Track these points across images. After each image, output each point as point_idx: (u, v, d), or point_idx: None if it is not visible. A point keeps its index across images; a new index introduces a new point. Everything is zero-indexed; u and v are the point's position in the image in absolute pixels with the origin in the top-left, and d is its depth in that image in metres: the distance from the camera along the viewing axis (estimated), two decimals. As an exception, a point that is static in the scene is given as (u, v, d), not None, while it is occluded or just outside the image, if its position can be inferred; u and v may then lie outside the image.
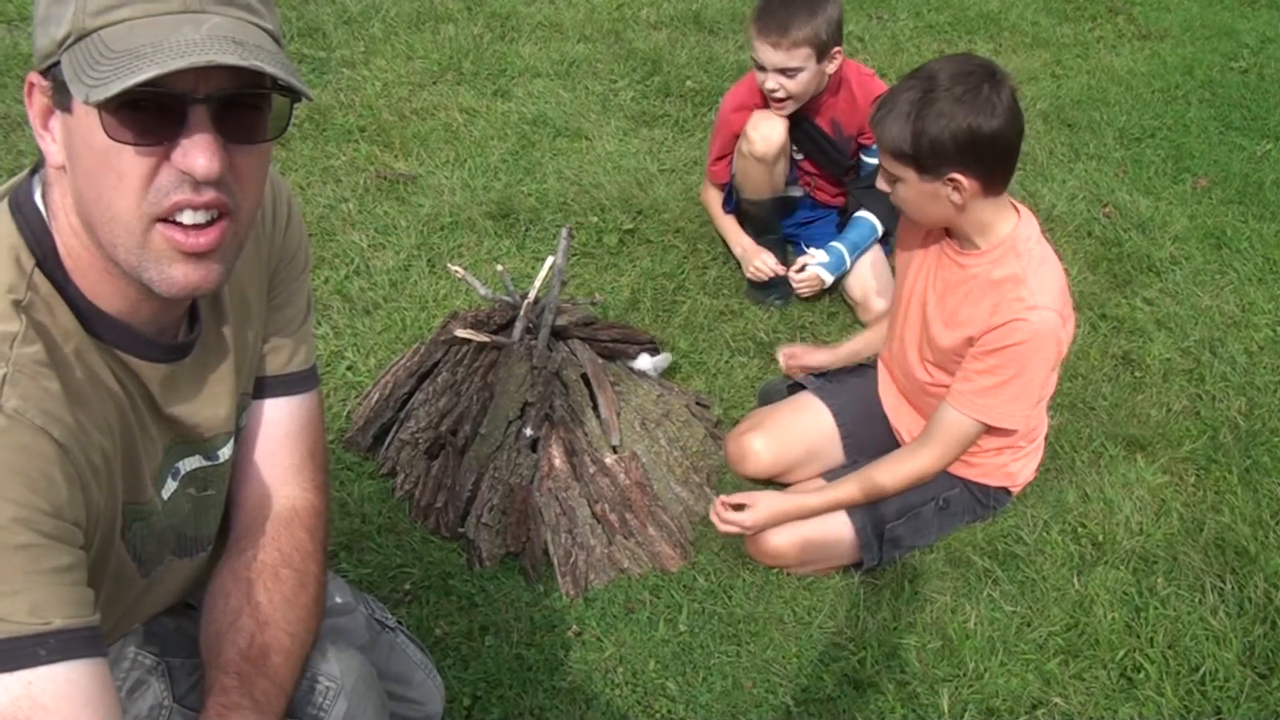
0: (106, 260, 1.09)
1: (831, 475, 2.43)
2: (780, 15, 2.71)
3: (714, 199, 3.27)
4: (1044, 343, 2.10)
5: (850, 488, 2.30)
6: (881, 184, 2.18)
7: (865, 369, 2.61)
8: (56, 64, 1.02)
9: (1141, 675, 2.16)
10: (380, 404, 2.63)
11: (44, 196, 1.12)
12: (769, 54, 2.75)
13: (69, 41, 1.00)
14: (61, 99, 1.04)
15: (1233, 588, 2.32)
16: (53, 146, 1.08)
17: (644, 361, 2.79)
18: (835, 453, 2.55)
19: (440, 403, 2.56)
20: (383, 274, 3.17)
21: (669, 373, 2.87)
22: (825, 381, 2.62)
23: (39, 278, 1.08)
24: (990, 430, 2.24)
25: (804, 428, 2.55)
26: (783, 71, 2.78)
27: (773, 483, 2.56)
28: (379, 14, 4.63)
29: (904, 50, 4.64)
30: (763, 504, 2.30)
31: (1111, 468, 2.65)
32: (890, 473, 2.30)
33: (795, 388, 2.67)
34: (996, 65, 2.02)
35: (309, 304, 1.54)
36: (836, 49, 2.80)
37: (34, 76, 1.06)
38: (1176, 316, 3.16)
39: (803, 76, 2.78)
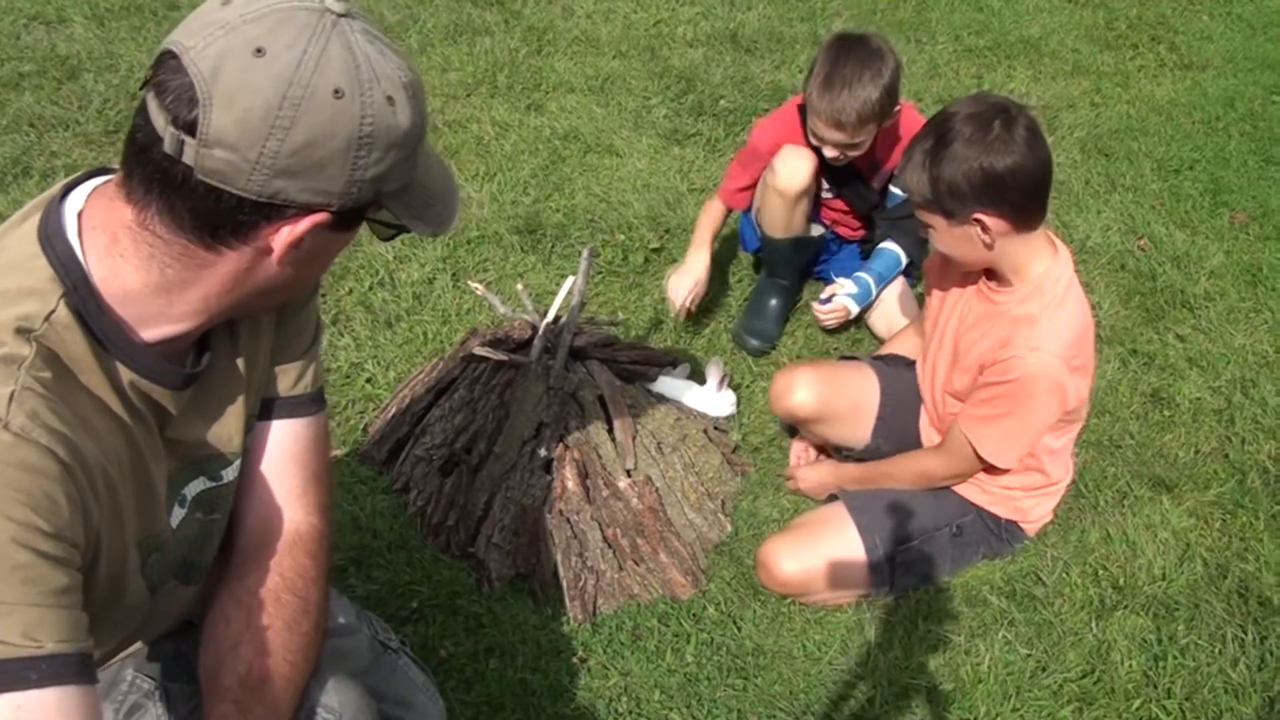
0: (202, 311, 1.17)
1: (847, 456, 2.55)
2: (844, 98, 2.55)
3: (711, 210, 3.04)
4: (1037, 386, 2.07)
5: (876, 467, 2.46)
6: (924, 232, 2.18)
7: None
8: (369, 204, 1.15)
9: (1157, 726, 2.12)
10: (397, 418, 2.62)
11: (82, 234, 1.11)
12: (832, 134, 2.63)
13: (395, 188, 1.16)
14: (347, 223, 1.16)
15: (1254, 639, 2.27)
16: (287, 255, 1.14)
17: (663, 383, 2.77)
18: (866, 426, 2.56)
19: (456, 419, 2.55)
20: (407, 286, 3.17)
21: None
22: (882, 362, 2.62)
23: (62, 308, 1.08)
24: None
25: (854, 385, 2.57)
26: (846, 146, 2.69)
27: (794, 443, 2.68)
28: (416, 25, 4.64)
29: (941, 74, 4.60)
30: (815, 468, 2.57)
31: (1136, 509, 2.60)
32: (904, 463, 2.42)
33: (847, 359, 2.71)
34: (1011, 102, 2.00)
35: (318, 326, 1.53)
36: (897, 108, 2.71)
37: (318, 218, 1.11)
38: (1209, 354, 3.10)
39: (864, 145, 2.70)
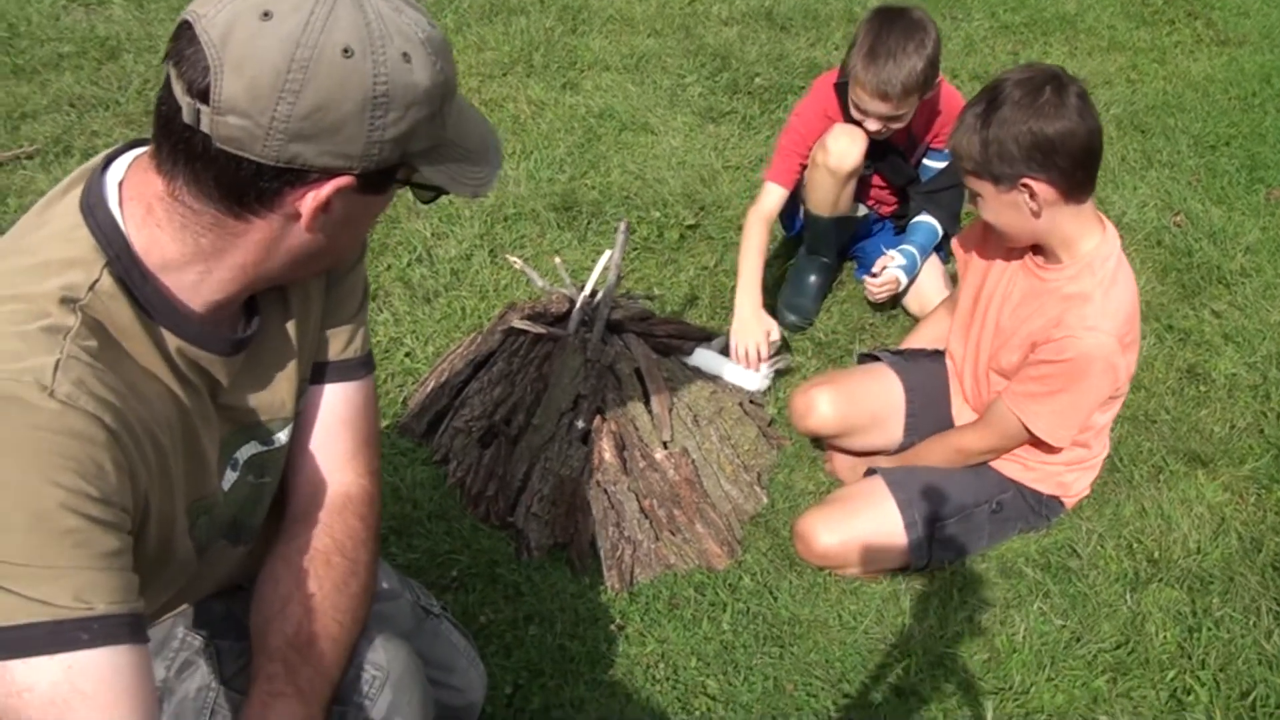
0: (240, 279, 1.17)
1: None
2: (889, 69, 2.57)
3: (755, 230, 2.85)
4: (1092, 366, 2.08)
5: (910, 451, 2.49)
6: (972, 202, 2.19)
7: (941, 355, 2.60)
8: (397, 166, 1.13)
9: (1191, 698, 2.12)
10: (436, 391, 2.66)
11: (122, 204, 1.13)
12: (877, 106, 2.64)
13: (424, 148, 1.14)
14: (374, 186, 1.14)
15: (1290, 611, 2.28)
16: (315, 220, 1.13)
17: (699, 356, 2.79)
18: (896, 428, 2.56)
19: (495, 392, 2.58)
20: (445, 263, 3.20)
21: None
22: (901, 359, 2.62)
23: (105, 277, 1.09)
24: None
25: (874, 394, 2.56)
26: (889, 118, 2.70)
27: (822, 445, 2.66)
28: (452, 5, 4.66)
29: (977, 51, 4.59)
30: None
31: (1171, 483, 2.60)
32: (937, 443, 2.42)
33: (866, 359, 2.69)
34: (1062, 71, 2.01)
35: (365, 290, 1.56)
36: (937, 80, 2.72)
37: (341, 181, 1.10)
38: (1245, 330, 3.09)
39: (906, 118, 2.72)
